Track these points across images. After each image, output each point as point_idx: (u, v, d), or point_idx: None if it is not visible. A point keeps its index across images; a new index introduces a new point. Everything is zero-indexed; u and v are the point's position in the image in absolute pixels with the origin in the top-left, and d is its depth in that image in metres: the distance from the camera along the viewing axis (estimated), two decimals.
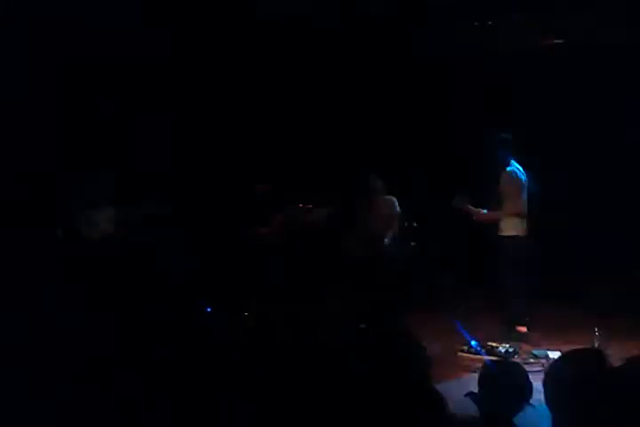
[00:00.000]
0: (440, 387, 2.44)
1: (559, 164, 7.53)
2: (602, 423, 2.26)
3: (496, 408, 2.75)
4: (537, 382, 2.59)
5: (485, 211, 6.79)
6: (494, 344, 6.18)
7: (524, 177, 6.70)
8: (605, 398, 2.25)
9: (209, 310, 7.01)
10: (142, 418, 2.52)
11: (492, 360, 3.11)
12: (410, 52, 8.14)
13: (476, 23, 6.75)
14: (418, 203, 8.38)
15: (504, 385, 2.81)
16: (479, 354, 5.96)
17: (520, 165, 6.72)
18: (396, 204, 7.75)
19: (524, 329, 6.60)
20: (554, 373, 2.39)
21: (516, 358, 5.82)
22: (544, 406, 2.37)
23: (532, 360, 5.77)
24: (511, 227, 6.61)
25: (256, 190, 7.99)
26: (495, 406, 2.76)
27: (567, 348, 3.17)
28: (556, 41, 7.55)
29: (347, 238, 7.97)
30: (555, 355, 5.60)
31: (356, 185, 7.85)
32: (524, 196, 6.68)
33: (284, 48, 8.23)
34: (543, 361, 5.66)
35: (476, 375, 2.98)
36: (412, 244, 8.29)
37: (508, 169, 6.65)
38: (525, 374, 2.92)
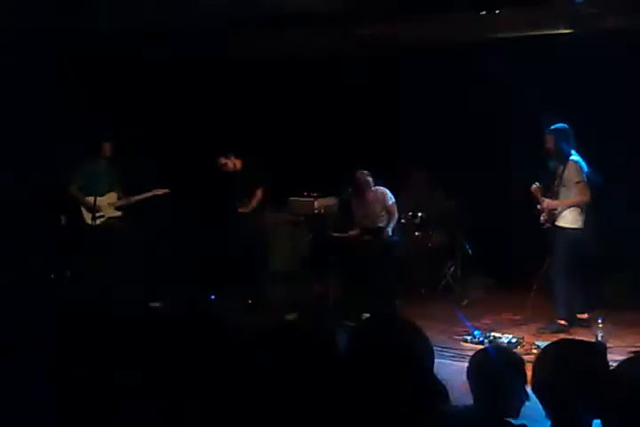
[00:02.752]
0: (442, 376, 2.44)
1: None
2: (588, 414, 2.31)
3: (491, 398, 2.75)
4: None
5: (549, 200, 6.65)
6: (497, 334, 6.22)
7: (586, 168, 6.57)
8: (601, 390, 2.27)
9: (212, 297, 7.05)
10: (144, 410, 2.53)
11: (484, 347, 3.09)
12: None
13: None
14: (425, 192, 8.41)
15: (496, 373, 2.81)
16: (481, 344, 5.97)
17: (581, 156, 6.58)
18: (389, 194, 7.72)
19: (584, 315, 6.61)
20: (539, 361, 2.43)
21: (519, 349, 5.84)
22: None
23: (534, 351, 5.78)
24: (571, 219, 6.54)
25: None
26: (489, 395, 2.76)
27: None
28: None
29: (348, 227, 7.97)
30: None
31: (346, 180, 7.83)
32: (582, 186, 6.53)
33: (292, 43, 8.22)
34: None
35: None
36: (417, 233, 8.30)
37: (573, 159, 6.51)
38: (519, 362, 2.91)
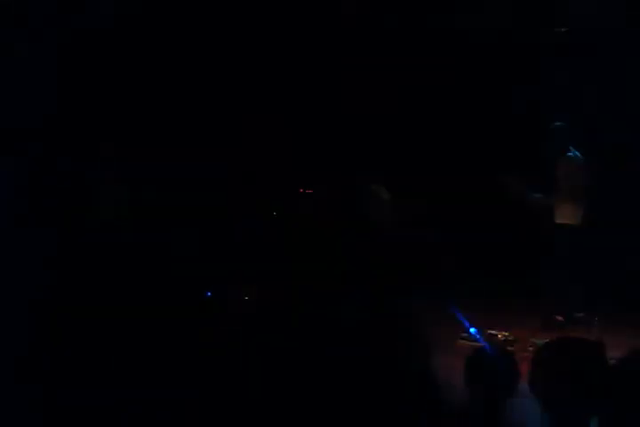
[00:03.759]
0: (438, 374, 2.43)
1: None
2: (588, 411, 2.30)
3: (488, 397, 2.74)
4: None
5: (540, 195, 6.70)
6: (494, 332, 6.21)
7: (582, 164, 6.64)
8: (600, 388, 2.26)
9: (209, 294, 7.02)
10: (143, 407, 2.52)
11: (482, 346, 3.08)
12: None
13: None
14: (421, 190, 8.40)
15: (493, 372, 2.79)
16: (478, 341, 5.96)
17: (580, 151, 6.66)
18: (384, 191, 7.70)
19: (581, 314, 6.60)
20: (538, 359, 2.42)
21: (515, 347, 5.83)
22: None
23: (531, 348, 5.76)
24: (564, 215, 6.58)
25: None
26: (486, 394, 2.75)
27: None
28: None
29: (344, 224, 7.96)
30: None
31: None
32: (582, 183, 6.61)
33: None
34: None
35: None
36: (413, 231, 8.28)
37: (566, 155, 6.59)
38: (513, 360, 2.90)
